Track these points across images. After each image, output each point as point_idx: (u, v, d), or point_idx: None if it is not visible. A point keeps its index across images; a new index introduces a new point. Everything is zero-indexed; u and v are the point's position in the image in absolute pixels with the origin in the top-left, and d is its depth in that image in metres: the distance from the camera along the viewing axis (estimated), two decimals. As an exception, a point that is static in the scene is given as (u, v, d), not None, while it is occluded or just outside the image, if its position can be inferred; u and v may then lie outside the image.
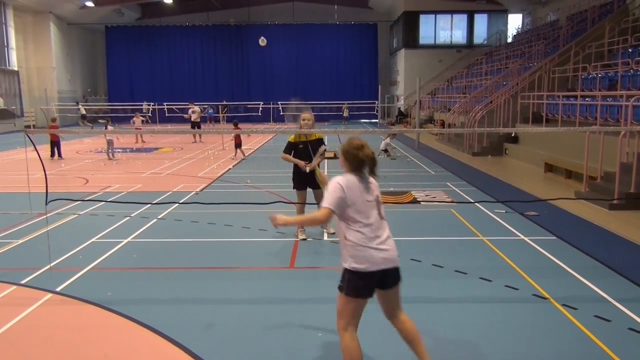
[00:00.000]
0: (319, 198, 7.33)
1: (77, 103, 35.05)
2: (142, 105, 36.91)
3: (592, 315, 4.75)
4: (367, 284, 3.40)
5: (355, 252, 3.36)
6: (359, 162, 3.46)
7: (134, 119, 23.72)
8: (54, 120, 18.54)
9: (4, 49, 32.43)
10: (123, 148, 20.77)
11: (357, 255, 3.36)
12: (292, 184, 7.53)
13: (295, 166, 7.27)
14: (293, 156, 7.20)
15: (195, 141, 23.02)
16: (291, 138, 7.28)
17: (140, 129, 22.65)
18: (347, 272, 3.43)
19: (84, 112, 34.14)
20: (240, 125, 18.96)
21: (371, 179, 3.54)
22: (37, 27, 34.95)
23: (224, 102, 37.18)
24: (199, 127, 23.10)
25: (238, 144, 17.02)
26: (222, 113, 33.80)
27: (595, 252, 6.61)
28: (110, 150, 17.09)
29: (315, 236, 7.48)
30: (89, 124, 33.42)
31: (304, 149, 7.15)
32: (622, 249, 6.95)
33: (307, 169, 7.07)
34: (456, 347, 4.24)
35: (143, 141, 23.06)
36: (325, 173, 7.56)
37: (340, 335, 3.47)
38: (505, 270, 6.03)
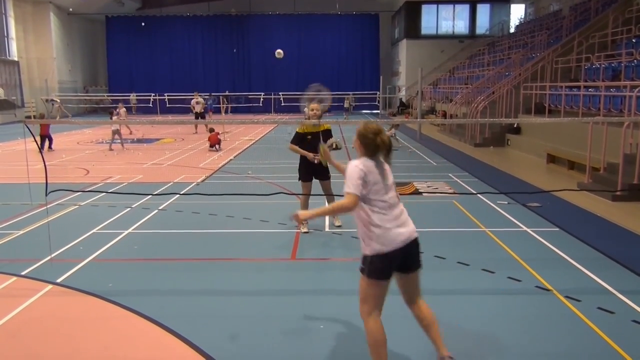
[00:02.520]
0: (327, 189, 7.29)
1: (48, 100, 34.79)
2: (129, 96, 36.79)
3: (596, 307, 4.72)
4: (389, 266, 3.43)
5: (380, 233, 3.38)
6: (375, 147, 3.50)
7: (119, 110, 23.61)
8: (42, 116, 18.63)
9: (4, 39, 32.30)
10: (124, 139, 20.68)
11: (382, 236, 3.37)
12: (294, 175, 7.47)
13: (302, 157, 7.14)
14: (301, 147, 7.10)
15: (197, 132, 22.94)
16: (299, 129, 7.14)
17: (124, 119, 22.50)
18: (369, 256, 3.42)
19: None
20: (241, 116, 18.86)
21: (386, 165, 3.58)
22: (37, 17, 34.77)
23: (227, 93, 37.11)
24: (202, 118, 22.98)
25: (214, 144, 16.61)
26: (223, 104, 33.65)
27: (599, 243, 6.58)
28: (112, 141, 17.10)
29: (317, 227, 7.45)
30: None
31: (312, 139, 6.95)
32: (625, 240, 6.92)
33: (316, 161, 6.93)
34: (459, 338, 4.21)
35: (130, 132, 23.02)
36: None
37: (365, 320, 3.50)
38: (508, 262, 6.01)
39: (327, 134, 7.06)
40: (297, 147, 7.13)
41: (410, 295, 3.63)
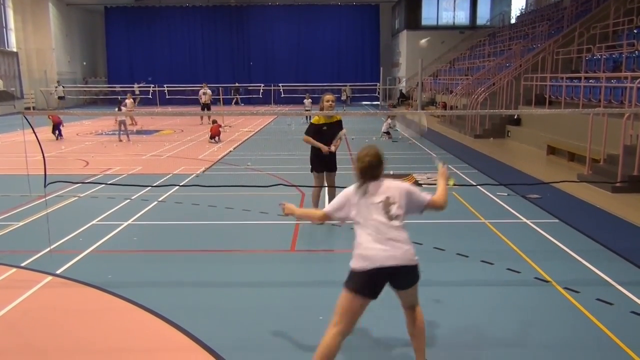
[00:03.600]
0: (331, 181, 7.33)
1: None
2: (133, 86, 36.68)
3: (595, 298, 4.73)
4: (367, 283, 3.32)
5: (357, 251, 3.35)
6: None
7: (126, 101, 23.63)
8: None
9: (2, 29, 32.16)
10: (124, 130, 20.69)
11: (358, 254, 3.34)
12: (294, 166, 7.49)
13: (316, 148, 7.19)
14: (316, 138, 7.13)
15: (202, 123, 22.74)
16: (314, 120, 7.21)
17: (132, 110, 22.43)
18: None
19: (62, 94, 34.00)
20: (240, 108, 18.98)
21: (383, 180, 3.48)
22: (35, 7, 34.57)
23: (236, 85, 37.10)
24: (208, 109, 22.77)
25: (214, 135, 16.77)
26: (234, 95, 33.65)
27: (598, 235, 6.58)
28: (120, 132, 17.37)
29: (316, 219, 7.45)
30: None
31: (327, 130, 7.07)
32: (624, 231, 6.92)
33: (332, 149, 7.04)
34: (458, 330, 4.23)
35: (135, 123, 23.07)
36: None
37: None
38: (507, 254, 6.01)
39: (340, 124, 7.20)
40: (311, 139, 7.16)
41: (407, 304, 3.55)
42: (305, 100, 23.40)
